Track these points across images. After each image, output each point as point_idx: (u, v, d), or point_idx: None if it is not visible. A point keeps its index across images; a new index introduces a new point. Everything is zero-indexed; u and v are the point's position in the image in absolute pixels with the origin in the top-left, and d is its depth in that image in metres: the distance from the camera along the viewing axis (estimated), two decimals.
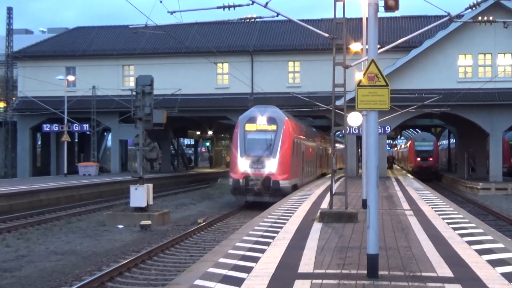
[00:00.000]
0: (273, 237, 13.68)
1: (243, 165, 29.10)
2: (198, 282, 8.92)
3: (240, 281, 9.08)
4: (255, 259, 10.89)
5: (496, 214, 28.43)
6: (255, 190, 28.43)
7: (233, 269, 9.93)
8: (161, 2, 18.02)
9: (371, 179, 9.69)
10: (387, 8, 10.76)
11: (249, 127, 30.02)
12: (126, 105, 40.00)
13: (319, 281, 9.10)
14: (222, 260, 10.76)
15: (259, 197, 28.87)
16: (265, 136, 29.73)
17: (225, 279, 9.15)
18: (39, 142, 59.99)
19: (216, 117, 56.01)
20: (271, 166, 28.78)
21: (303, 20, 19.61)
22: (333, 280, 9.18)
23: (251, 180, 28.62)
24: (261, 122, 29.85)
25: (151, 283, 13.37)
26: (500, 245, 12.58)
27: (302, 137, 35.43)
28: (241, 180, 28.78)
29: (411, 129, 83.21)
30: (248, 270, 9.92)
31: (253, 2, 16.70)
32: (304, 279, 9.20)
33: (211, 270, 9.84)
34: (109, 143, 60.28)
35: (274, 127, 29.74)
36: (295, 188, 31.16)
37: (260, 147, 29.47)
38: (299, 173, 34.02)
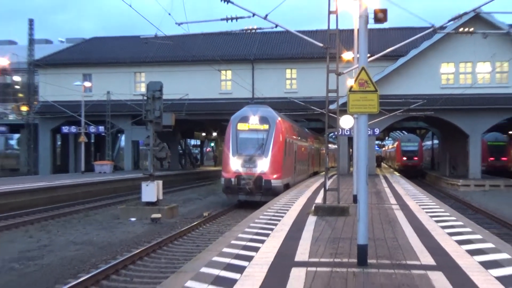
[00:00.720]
0: (272, 229, 13.72)
1: (235, 164, 27.05)
2: (204, 269, 8.97)
3: (241, 269, 9.13)
4: (256, 249, 10.93)
5: (475, 208, 28.43)
6: (247, 189, 26.48)
7: (236, 258, 9.98)
8: (169, 14, 18.06)
9: (361, 176, 9.74)
10: (377, 20, 10.80)
11: (241, 126, 27.76)
12: (138, 108, 40.04)
13: (314, 268, 9.15)
14: (225, 249, 10.80)
15: (251, 196, 26.84)
16: (257, 136, 27.50)
17: (228, 267, 9.20)
18: (59, 143, 60.05)
19: (220, 120, 55.83)
20: (263, 165, 26.72)
21: (299, 31, 19.63)
22: (326, 268, 9.22)
23: (243, 179, 26.61)
24: (253, 121, 27.68)
25: (161, 271, 13.42)
26: (479, 236, 12.64)
27: (295, 137, 33.79)
28: (233, 179, 26.81)
29: (398, 131, 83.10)
30: (249, 259, 9.97)
31: (253, 15, 16.76)
32: (300, 267, 9.25)
33: (215, 258, 9.89)
34: (123, 143, 60.31)
35: (266, 126, 27.55)
36: (287, 187, 29.30)
37: (252, 147, 27.34)
38: (291, 172, 31.86)
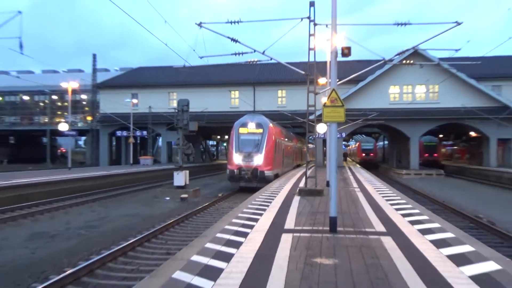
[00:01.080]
0: (267, 206, 13.72)
1: (237, 159, 25.92)
2: (219, 235, 8.97)
3: (246, 234, 9.14)
4: (256, 220, 10.93)
5: (414, 190, 28.42)
6: (246, 178, 25.60)
7: (241, 227, 9.98)
8: (194, 50, 18.03)
9: (332, 167, 9.72)
10: (343, 54, 10.83)
11: (242, 130, 26.85)
12: (171, 118, 39.94)
13: (298, 234, 9.16)
14: (234, 220, 10.80)
15: (249, 183, 25.72)
16: (254, 137, 26.34)
17: (236, 233, 9.21)
18: (114, 143, 59.95)
19: (230, 127, 55.54)
20: (258, 160, 25.70)
21: (288, 62, 19.64)
22: (307, 233, 9.24)
23: (243, 170, 25.59)
24: (251, 126, 26.77)
25: (188, 235, 13.43)
26: (417, 211, 12.64)
27: (283, 138, 32.13)
28: (235, 171, 25.77)
29: (358, 135, 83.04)
30: (251, 227, 9.97)
31: (254, 51, 16.74)
32: (288, 233, 9.26)
33: (227, 227, 9.89)
34: (160, 143, 60.32)
35: (260, 130, 26.54)
36: (277, 176, 28.10)
37: (250, 146, 26.14)
38: (280, 164, 30.33)
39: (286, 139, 35.09)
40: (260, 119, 27.63)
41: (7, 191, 19.62)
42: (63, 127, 36.52)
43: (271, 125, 27.72)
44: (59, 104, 66.43)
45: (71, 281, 8.70)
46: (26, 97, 65.64)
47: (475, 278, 6.28)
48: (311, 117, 22.72)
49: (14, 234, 13.45)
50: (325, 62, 23.12)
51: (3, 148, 67.73)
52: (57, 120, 61.05)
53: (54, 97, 65.06)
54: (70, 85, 39.16)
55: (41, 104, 66.43)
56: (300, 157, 48.60)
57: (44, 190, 22.12)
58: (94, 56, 59.53)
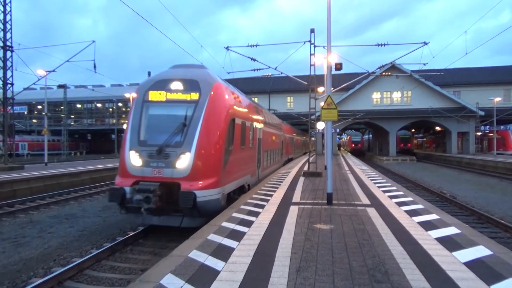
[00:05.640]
0: (279, 184, 13.65)
1: (135, 161, 7.97)
2: (242, 206, 8.92)
3: (263, 206, 9.10)
4: (270, 195, 10.89)
5: (392, 172, 27.94)
6: (150, 207, 7.42)
7: (260, 200, 9.94)
8: (223, 67, 18.01)
9: (328, 154, 9.64)
10: (336, 69, 10.69)
11: (153, 95, 8.35)
12: None
13: (302, 206, 9.10)
14: (254, 196, 10.75)
15: (165, 217, 8.08)
16: (177, 112, 8.08)
17: (255, 205, 9.16)
18: None
19: None
20: (181, 163, 7.75)
21: (294, 75, 19.51)
22: (309, 205, 9.17)
23: (145, 188, 7.50)
24: (174, 87, 8.30)
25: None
26: (394, 188, 12.45)
27: (256, 117, 12.86)
28: (128, 189, 7.82)
29: (349, 130, 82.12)
30: (266, 201, 9.93)
31: (269, 67, 16.69)
32: (295, 205, 9.20)
33: (249, 201, 9.84)
34: None
35: (195, 95, 8.18)
36: (242, 190, 10.83)
37: (167, 130, 7.94)
38: (251, 167, 12.07)
39: (268, 125, 16.03)
40: (195, 71, 9.02)
41: (84, 175, 19.97)
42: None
43: (218, 82, 9.00)
44: (124, 109, 67.18)
45: (132, 242, 8.82)
46: (99, 105, 66.58)
47: (439, 240, 6.17)
48: (313, 117, 22.54)
49: (90, 206, 13.68)
50: (323, 75, 22.86)
51: (82, 142, 69.21)
52: (122, 121, 61.84)
53: (120, 104, 65.86)
54: (132, 95, 39.62)
55: (110, 109, 67.25)
56: (293, 148, 31.31)
57: (112, 174, 22.43)
58: (149, 73, 59.95)
